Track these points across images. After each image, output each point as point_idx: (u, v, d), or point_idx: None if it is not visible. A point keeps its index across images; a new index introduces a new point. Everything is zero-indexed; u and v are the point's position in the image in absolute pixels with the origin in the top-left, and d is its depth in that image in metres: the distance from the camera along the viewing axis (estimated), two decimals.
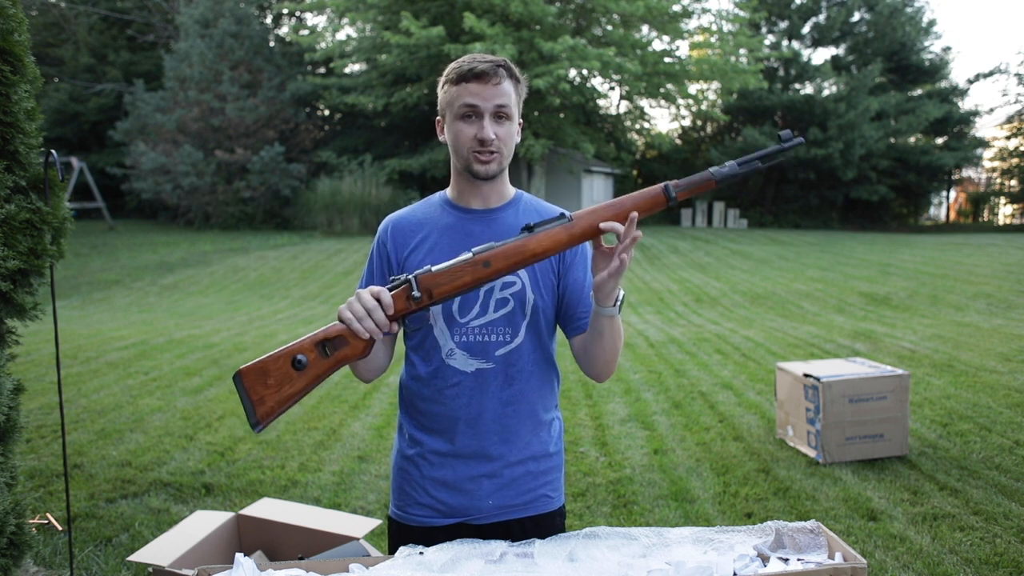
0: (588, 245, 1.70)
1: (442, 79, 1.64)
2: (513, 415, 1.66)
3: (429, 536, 1.66)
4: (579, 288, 1.68)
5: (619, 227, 1.43)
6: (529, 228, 1.45)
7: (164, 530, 3.13)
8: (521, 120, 1.68)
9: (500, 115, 1.59)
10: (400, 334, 1.77)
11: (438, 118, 1.68)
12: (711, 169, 1.49)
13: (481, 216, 1.67)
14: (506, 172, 1.69)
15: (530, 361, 1.67)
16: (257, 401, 1.39)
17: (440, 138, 1.68)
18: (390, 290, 1.44)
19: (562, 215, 1.48)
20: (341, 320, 1.43)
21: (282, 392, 1.40)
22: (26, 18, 2.21)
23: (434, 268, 1.45)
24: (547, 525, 1.72)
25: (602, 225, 1.44)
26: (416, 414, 1.71)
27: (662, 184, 1.48)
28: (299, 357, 1.39)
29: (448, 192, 1.72)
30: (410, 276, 1.44)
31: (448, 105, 1.61)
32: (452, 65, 1.62)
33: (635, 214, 1.43)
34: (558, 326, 1.74)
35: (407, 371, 1.74)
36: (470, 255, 1.44)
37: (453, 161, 1.67)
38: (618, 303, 1.52)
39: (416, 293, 1.42)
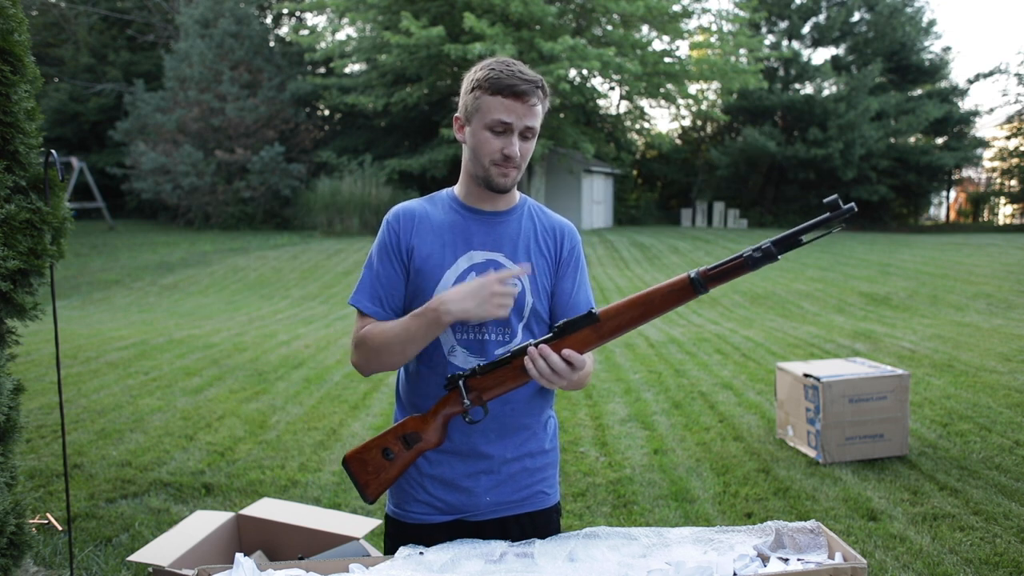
0: (583, 257, 1.78)
1: (471, 82, 1.60)
2: (510, 413, 1.68)
3: (427, 533, 1.67)
4: (566, 299, 1.71)
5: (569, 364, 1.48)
6: (560, 329, 1.50)
7: (164, 530, 3.13)
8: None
9: (527, 135, 1.60)
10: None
11: (457, 115, 1.66)
12: (745, 253, 1.39)
13: (486, 218, 1.69)
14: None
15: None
16: (364, 484, 1.63)
17: (456, 136, 1.67)
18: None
19: (590, 313, 1.50)
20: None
21: (380, 477, 1.62)
22: (26, 18, 2.21)
23: (479, 370, 1.55)
24: (543, 521, 1.74)
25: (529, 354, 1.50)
26: (414, 411, 1.72)
27: (687, 275, 1.46)
28: (387, 449, 1.61)
29: (456, 190, 1.73)
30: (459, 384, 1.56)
31: (477, 111, 1.59)
32: (487, 72, 1.58)
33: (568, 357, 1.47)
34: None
35: (405, 368, 1.75)
36: (510, 354, 1.53)
37: (469, 166, 1.66)
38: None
39: (466, 401, 1.54)
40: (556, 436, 1.81)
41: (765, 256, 1.36)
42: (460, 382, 1.53)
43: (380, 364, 1.63)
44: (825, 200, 1.32)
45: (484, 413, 1.58)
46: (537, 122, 1.60)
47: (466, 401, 1.53)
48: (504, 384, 1.53)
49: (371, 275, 1.67)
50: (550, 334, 1.51)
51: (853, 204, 1.33)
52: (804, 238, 1.34)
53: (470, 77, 1.62)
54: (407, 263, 1.66)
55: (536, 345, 1.48)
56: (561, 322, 1.50)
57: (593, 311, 1.48)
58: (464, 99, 1.63)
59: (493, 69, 1.58)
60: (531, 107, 1.57)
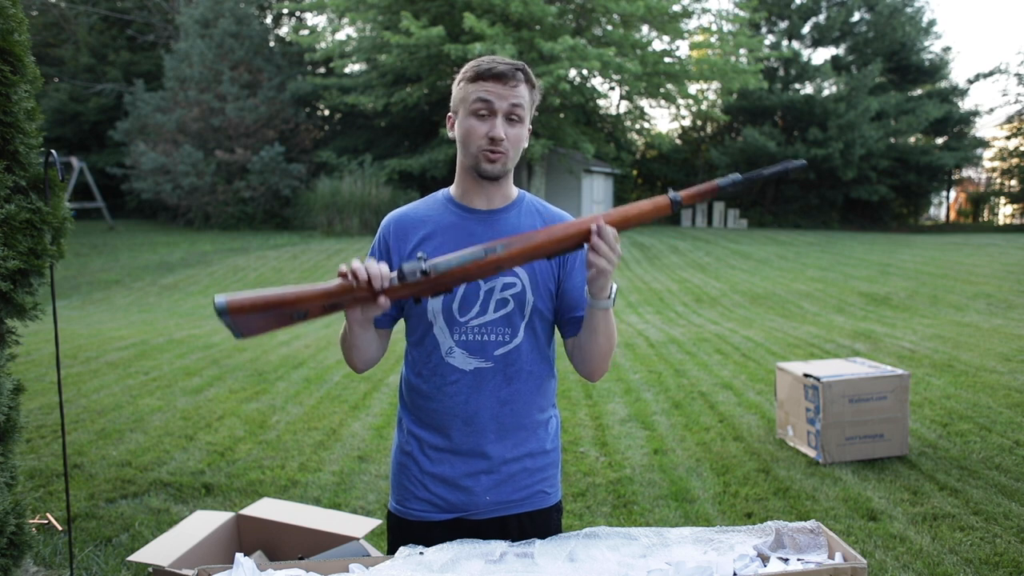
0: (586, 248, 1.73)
1: (459, 76, 1.65)
2: (510, 414, 1.68)
3: (427, 531, 1.68)
4: (579, 292, 1.70)
5: (605, 248, 1.46)
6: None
7: (164, 530, 3.13)
8: (531, 127, 1.69)
9: (513, 116, 1.60)
10: (403, 332, 1.77)
11: (449, 115, 1.68)
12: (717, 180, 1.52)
13: (484, 217, 1.68)
14: (511, 173, 1.70)
15: (528, 361, 1.68)
16: (245, 329, 1.43)
17: (450, 134, 1.69)
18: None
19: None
20: (343, 275, 1.41)
21: (270, 327, 1.44)
22: (26, 18, 2.21)
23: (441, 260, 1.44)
24: (544, 521, 1.74)
25: (592, 242, 1.46)
26: (415, 410, 1.73)
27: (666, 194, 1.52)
28: (302, 312, 1.42)
29: (452, 190, 1.73)
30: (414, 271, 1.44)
31: (462, 101, 1.62)
32: (471, 63, 1.63)
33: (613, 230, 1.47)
34: (556, 327, 1.75)
35: (407, 368, 1.75)
36: (481, 252, 1.43)
37: (460, 159, 1.68)
38: (611, 296, 1.55)
39: (420, 274, 1.41)
40: (558, 435, 1.80)
41: (731, 185, 1.49)
42: (418, 275, 1.42)
43: (350, 360, 1.68)
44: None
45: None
46: (523, 102, 1.60)
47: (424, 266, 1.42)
48: (466, 273, 1.44)
49: None
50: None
51: (804, 161, 1.59)
52: (765, 171, 1.51)
53: (458, 75, 1.66)
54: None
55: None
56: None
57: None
58: (453, 96, 1.67)
59: (475, 61, 1.63)
60: (512, 88, 1.59)
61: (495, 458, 1.68)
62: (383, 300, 1.40)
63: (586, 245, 1.52)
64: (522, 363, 1.67)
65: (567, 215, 1.76)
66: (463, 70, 1.64)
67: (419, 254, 1.43)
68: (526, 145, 1.68)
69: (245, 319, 1.39)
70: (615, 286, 1.56)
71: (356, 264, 1.40)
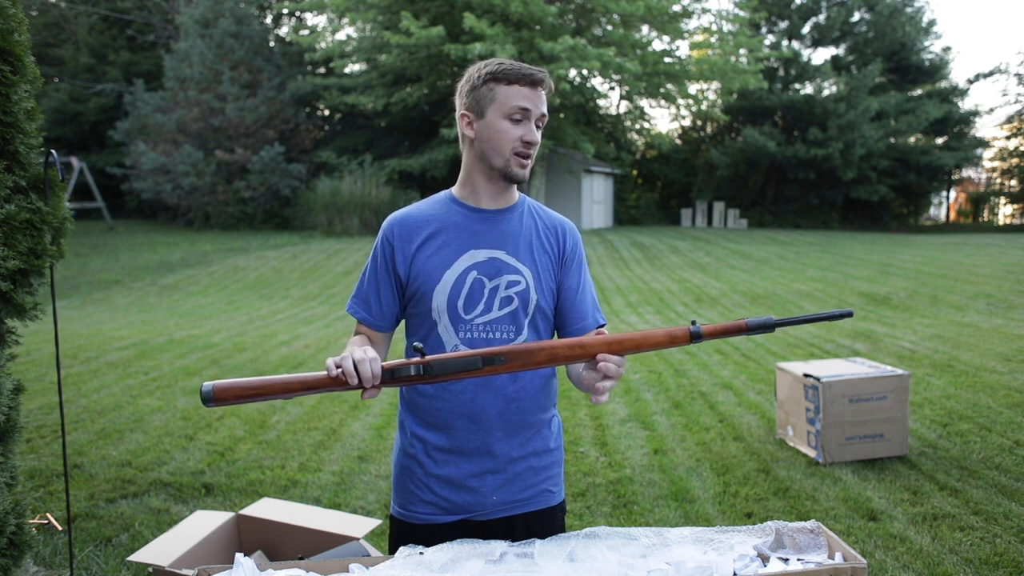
0: (583, 252, 1.78)
1: (482, 76, 1.62)
2: (516, 411, 1.68)
3: (432, 533, 1.68)
4: (572, 295, 1.72)
5: (614, 369, 1.43)
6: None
7: (164, 530, 3.13)
8: None
9: (540, 124, 1.65)
10: (403, 332, 1.78)
11: (463, 113, 1.65)
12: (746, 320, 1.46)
13: (488, 216, 1.69)
14: None
15: None
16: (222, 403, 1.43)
17: (467, 132, 1.66)
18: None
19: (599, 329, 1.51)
20: (333, 377, 1.40)
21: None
22: (26, 18, 2.21)
23: (433, 361, 1.43)
24: (549, 520, 1.75)
25: (599, 358, 1.44)
26: (418, 411, 1.72)
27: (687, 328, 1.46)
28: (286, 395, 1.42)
29: (455, 191, 1.73)
30: (413, 365, 1.43)
31: (493, 102, 1.61)
32: (496, 66, 1.62)
33: (623, 361, 1.45)
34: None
35: None
36: (479, 362, 1.43)
37: (476, 160, 1.66)
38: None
39: (413, 372, 1.42)
40: (560, 435, 1.81)
41: (763, 327, 1.44)
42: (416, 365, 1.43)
43: None
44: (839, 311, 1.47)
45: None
46: (547, 111, 1.66)
47: (413, 372, 1.43)
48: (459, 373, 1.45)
49: (364, 283, 1.72)
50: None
51: (851, 311, 1.51)
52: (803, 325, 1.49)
53: (477, 74, 1.63)
54: (401, 272, 1.68)
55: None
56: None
57: (601, 326, 1.51)
58: (472, 95, 1.63)
59: (503, 64, 1.62)
60: (544, 95, 1.64)
61: (501, 457, 1.69)
62: (369, 393, 1.41)
63: (584, 260, 1.59)
64: None
65: (565, 220, 1.78)
66: (491, 70, 1.61)
67: (416, 344, 1.43)
68: None
69: (227, 399, 1.39)
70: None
71: (348, 366, 1.38)
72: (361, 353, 1.40)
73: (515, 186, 1.72)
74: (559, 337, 1.76)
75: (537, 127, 1.64)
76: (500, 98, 1.60)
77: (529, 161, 1.64)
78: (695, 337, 1.43)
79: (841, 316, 1.45)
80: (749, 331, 1.43)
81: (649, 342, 1.45)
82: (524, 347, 1.45)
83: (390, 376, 1.42)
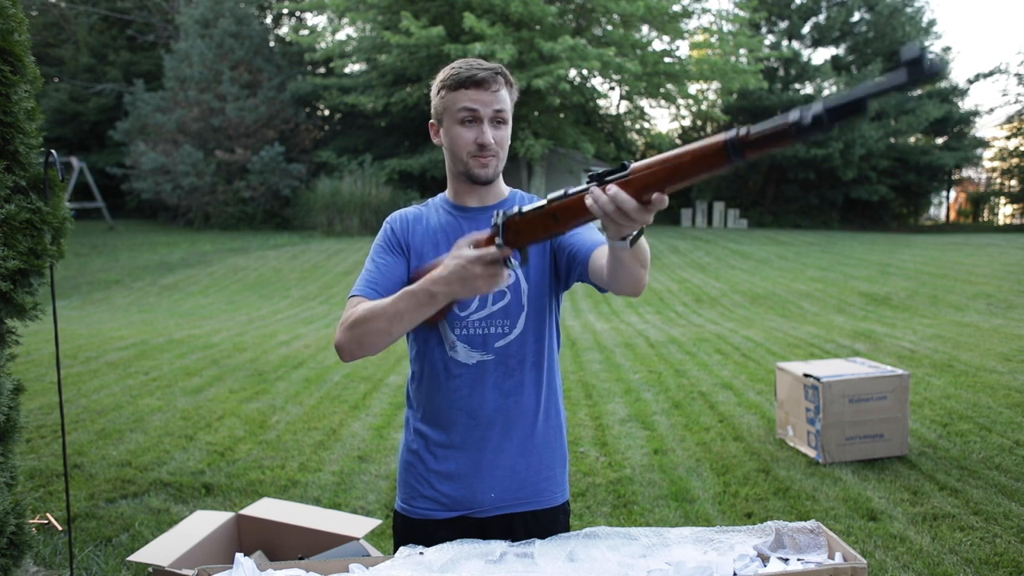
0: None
1: (437, 85, 1.66)
2: (514, 406, 1.68)
3: (432, 529, 1.68)
4: (583, 242, 1.61)
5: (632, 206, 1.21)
6: (598, 178, 1.25)
7: (164, 530, 3.13)
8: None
9: (498, 120, 1.62)
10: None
11: (432, 123, 1.70)
12: (792, 119, 1.04)
13: (477, 214, 1.70)
14: (500, 173, 1.73)
15: (532, 352, 1.69)
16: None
17: (435, 141, 1.71)
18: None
19: (622, 165, 1.23)
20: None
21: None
22: (26, 18, 2.21)
23: (523, 210, 1.35)
24: (549, 520, 1.73)
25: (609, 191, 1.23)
26: (420, 408, 1.74)
27: (723, 138, 1.12)
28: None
29: (446, 193, 1.76)
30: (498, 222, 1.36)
31: (445, 110, 1.64)
32: (448, 72, 1.64)
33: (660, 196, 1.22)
34: (576, 276, 1.65)
35: (411, 366, 1.77)
36: (545, 202, 1.34)
37: (450, 165, 1.70)
38: (629, 238, 1.31)
39: (498, 241, 1.36)
40: (564, 434, 1.80)
41: (815, 125, 1.03)
42: (500, 221, 1.36)
43: (364, 342, 1.53)
44: (906, 55, 0.94)
45: (523, 260, 1.43)
46: (505, 105, 1.62)
47: (499, 241, 1.36)
48: (536, 231, 1.35)
49: (370, 268, 1.67)
50: (586, 185, 1.27)
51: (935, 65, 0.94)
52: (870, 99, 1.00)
53: (435, 84, 1.66)
54: (408, 257, 1.68)
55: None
56: (592, 172, 1.27)
57: (624, 163, 1.24)
58: (434, 105, 1.67)
59: (453, 68, 1.63)
60: (494, 93, 1.60)
61: (500, 453, 1.68)
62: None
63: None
64: (524, 354, 1.68)
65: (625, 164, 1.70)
66: (441, 78, 1.64)
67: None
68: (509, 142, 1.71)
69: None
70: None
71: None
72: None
73: (500, 183, 1.73)
74: (581, 279, 1.63)
75: (496, 124, 1.61)
76: (450, 105, 1.62)
77: (489, 160, 1.62)
78: (731, 150, 1.10)
79: (920, 75, 0.91)
80: (798, 134, 1.04)
81: (687, 156, 1.15)
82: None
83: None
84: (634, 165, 1.22)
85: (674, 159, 1.18)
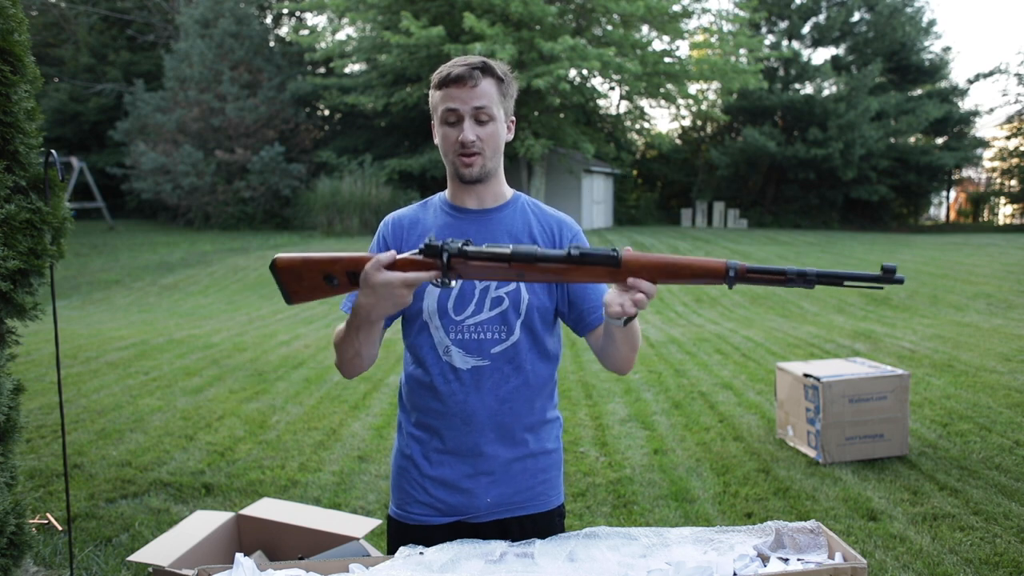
0: (586, 244, 1.70)
1: (430, 87, 1.67)
2: (509, 412, 1.67)
3: (428, 535, 1.67)
4: (583, 288, 1.67)
5: (644, 299, 1.36)
6: (579, 257, 1.35)
7: (164, 530, 3.13)
8: (513, 119, 1.69)
9: (480, 117, 1.60)
10: (401, 333, 1.77)
11: (432, 122, 1.70)
12: (787, 270, 1.33)
13: (477, 217, 1.69)
14: (501, 173, 1.70)
15: (527, 359, 1.67)
16: (292, 292, 1.52)
17: (435, 141, 1.71)
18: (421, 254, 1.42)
19: (612, 253, 1.36)
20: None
21: (311, 294, 1.51)
22: (26, 18, 2.21)
23: (471, 250, 1.37)
24: (545, 524, 1.73)
25: (629, 281, 1.36)
26: (414, 412, 1.72)
27: (726, 263, 1.34)
28: (333, 278, 1.46)
29: (446, 193, 1.74)
30: (446, 249, 1.37)
31: (434, 110, 1.64)
32: (436, 73, 1.64)
33: (655, 288, 1.37)
34: (569, 327, 1.74)
35: (405, 369, 1.75)
36: (508, 251, 1.36)
37: (445, 164, 1.70)
38: (624, 320, 1.44)
39: (445, 279, 1.40)
40: (560, 437, 1.79)
41: (802, 280, 1.33)
42: (443, 256, 1.38)
43: (344, 365, 1.62)
44: (884, 264, 1.36)
45: (454, 284, 1.50)
46: (488, 100, 1.59)
47: (445, 279, 1.40)
48: (488, 275, 1.40)
49: None
50: (563, 256, 1.36)
51: (903, 277, 1.37)
52: (846, 283, 1.34)
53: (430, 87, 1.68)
54: None
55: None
56: (579, 251, 1.35)
57: (615, 251, 1.35)
58: (430, 104, 1.68)
59: (439, 71, 1.63)
60: (473, 88, 1.58)
61: (495, 458, 1.67)
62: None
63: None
64: (520, 361, 1.66)
65: (564, 216, 1.76)
66: (431, 80, 1.65)
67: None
68: (509, 138, 1.68)
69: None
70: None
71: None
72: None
73: (501, 183, 1.71)
74: (576, 333, 1.72)
75: (480, 121, 1.59)
76: (436, 105, 1.62)
77: (473, 159, 1.61)
78: (731, 276, 1.32)
79: (888, 281, 1.33)
80: (787, 282, 1.32)
81: (686, 267, 1.34)
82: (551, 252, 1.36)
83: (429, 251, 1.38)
84: (626, 257, 1.35)
85: (674, 263, 1.36)
